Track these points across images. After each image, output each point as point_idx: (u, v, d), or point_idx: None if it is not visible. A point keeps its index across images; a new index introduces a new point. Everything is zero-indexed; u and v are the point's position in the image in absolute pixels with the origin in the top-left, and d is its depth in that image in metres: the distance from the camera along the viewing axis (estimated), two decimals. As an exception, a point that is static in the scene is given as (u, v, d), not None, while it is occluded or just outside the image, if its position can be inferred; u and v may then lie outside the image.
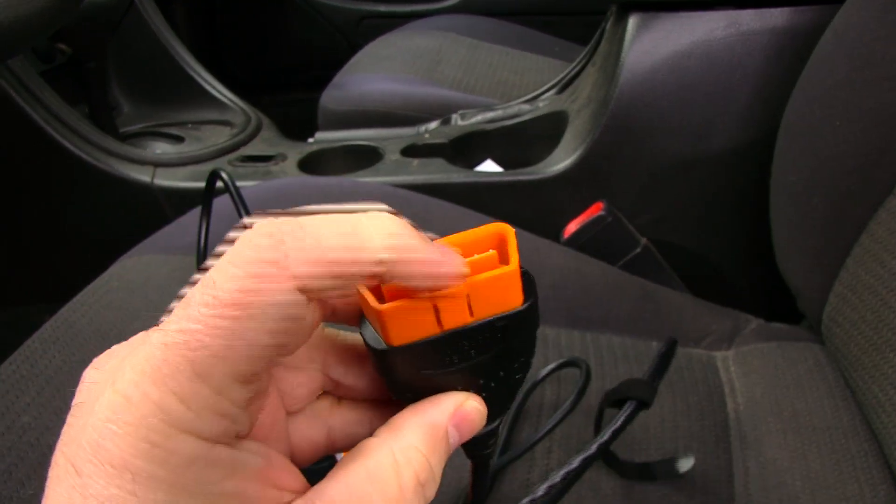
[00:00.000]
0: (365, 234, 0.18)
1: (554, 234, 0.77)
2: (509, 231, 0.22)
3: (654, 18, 0.67)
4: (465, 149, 0.87)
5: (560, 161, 0.74)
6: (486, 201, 0.76)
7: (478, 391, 0.22)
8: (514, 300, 0.21)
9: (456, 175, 0.77)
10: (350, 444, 0.22)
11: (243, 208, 0.45)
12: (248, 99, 1.16)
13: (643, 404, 0.29)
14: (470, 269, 0.20)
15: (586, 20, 1.41)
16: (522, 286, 0.21)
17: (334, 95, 1.04)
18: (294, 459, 0.22)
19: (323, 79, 1.14)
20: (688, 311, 0.57)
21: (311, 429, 0.23)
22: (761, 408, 0.48)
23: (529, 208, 0.77)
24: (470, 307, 0.20)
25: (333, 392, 0.24)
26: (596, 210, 0.72)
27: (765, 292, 0.73)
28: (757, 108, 0.65)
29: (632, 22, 0.67)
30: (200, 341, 0.16)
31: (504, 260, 0.21)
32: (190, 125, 1.10)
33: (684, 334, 0.55)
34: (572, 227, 0.74)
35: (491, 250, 0.22)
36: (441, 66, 1.11)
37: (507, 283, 0.20)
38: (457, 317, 0.20)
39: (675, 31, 0.66)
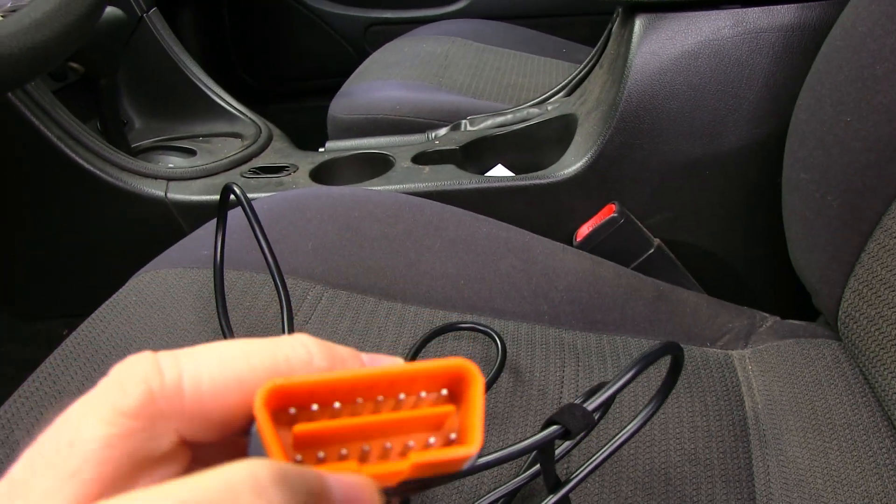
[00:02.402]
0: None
1: (567, 237, 0.77)
2: (475, 379, 0.17)
3: (661, 19, 0.67)
4: (476, 154, 0.87)
5: (571, 164, 0.74)
6: (498, 206, 0.77)
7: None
8: (456, 466, 0.18)
9: (467, 181, 0.78)
10: None
11: (256, 222, 0.45)
12: (258, 109, 1.17)
13: (566, 433, 0.27)
14: (415, 423, 0.17)
15: (593, 21, 1.41)
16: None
17: (343, 104, 1.04)
18: None
19: (332, 87, 1.14)
20: (703, 311, 0.57)
21: None
22: (780, 406, 0.48)
23: (541, 212, 0.77)
24: (403, 474, 0.17)
25: None
26: (608, 212, 0.72)
27: (780, 289, 0.73)
28: (767, 106, 0.65)
29: (638, 23, 0.67)
30: None
31: (462, 417, 0.18)
32: (201, 138, 1.11)
33: (700, 334, 0.55)
34: (585, 230, 0.74)
35: (444, 392, 0.18)
36: (449, 71, 1.11)
37: (458, 462, 0.17)
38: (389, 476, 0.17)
39: (682, 32, 0.66)
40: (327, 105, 1.06)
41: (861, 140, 0.47)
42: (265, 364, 0.17)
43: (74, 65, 0.94)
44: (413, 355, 0.47)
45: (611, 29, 0.83)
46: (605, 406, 0.28)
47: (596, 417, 0.28)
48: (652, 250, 0.72)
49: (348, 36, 1.55)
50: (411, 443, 0.18)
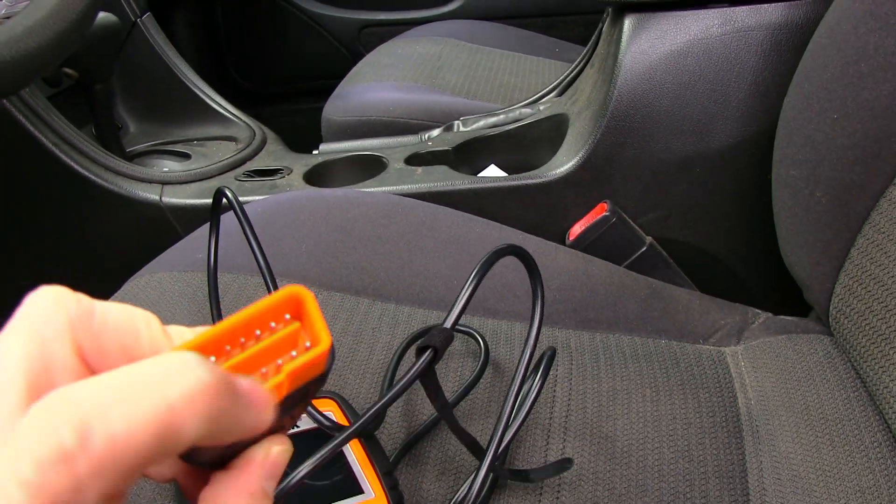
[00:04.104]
0: (176, 422, 0.17)
1: (559, 236, 0.77)
2: (307, 296, 0.22)
3: (650, 18, 0.67)
4: (469, 155, 0.88)
5: (563, 164, 0.74)
6: (490, 207, 0.77)
7: (281, 430, 0.22)
8: (320, 373, 0.22)
9: (460, 182, 0.78)
10: None
11: (248, 225, 0.46)
12: (253, 111, 1.17)
13: (435, 351, 0.30)
14: (276, 347, 0.21)
15: (586, 20, 1.42)
16: (328, 361, 0.22)
17: (337, 106, 1.05)
18: None
19: (326, 88, 1.15)
20: (695, 308, 0.57)
21: None
22: (773, 401, 0.48)
23: (534, 212, 0.77)
24: (284, 384, 0.21)
25: None
26: (600, 211, 0.72)
27: (772, 286, 0.74)
28: (756, 104, 0.65)
29: (628, 23, 0.68)
30: None
31: (309, 328, 0.22)
32: (195, 142, 1.11)
33: (693, 331, 0.55)
34: (577, 229, 0.74)
35: (287, 316, 0.22)
36: (442, 72, 1.12)
37: (319, 359, 0.21)
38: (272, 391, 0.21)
39: (671, 31, 0.66)
40: (321, 107, 1.06)
41: (848, 136, 0.47)
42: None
43: (69, 70, 0.94)
44: (398, 357, 0.47)
45: (601, 29, 0.83)
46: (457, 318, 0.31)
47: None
48: (644, 248, 0.72)
49: (342, 38, 1.56)
50: (279, 361, 0.21)
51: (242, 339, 0.21)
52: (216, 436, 0.18)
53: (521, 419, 0.38)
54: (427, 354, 0.30)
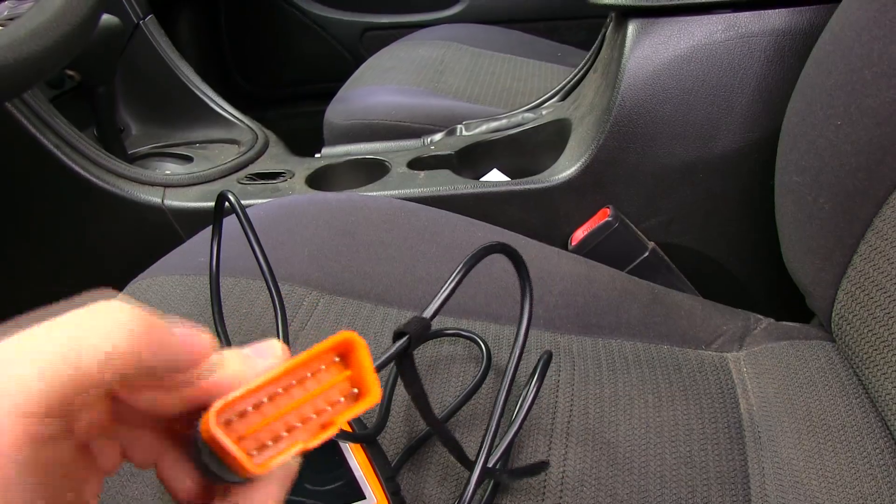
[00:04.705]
0: (88, 338, 0.18)
1: (562, 241, 0.77)
2: (356, 341, 0.22)
3: (654, 24, 0.67)
4: (471, 159, 0.88)
5: (565, 169, 0.74)
6: (493, 211, 0.77)
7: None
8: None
9: (462, 186, 0.78)
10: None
11: (250, 229, 0.46)
12: (255, 114, 1.17)
13: (409, 339, 0.30)
14: (324, 392, 0.21)
15: (588, 24, 1.42)
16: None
17: (339, 109, 1.05)
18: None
19: (328, 92, 1.15)
20: (698, 314, 0.57)
21: None
22: (775, 407, 0.48)
23: (536, 217, 0.77)
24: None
25: None
26: (603, 216, 0.72)
27: (774, 291, 0.73)
28: (759, 110, 0.65)
29: (631, 28, 0.68)
30: None
31: (357, 377, 0.22)
32: (198, 145, 1.11)
33: (695, 336, 0.55)
34: (580, 234, 0.74)
35: (336, 359, 0.22)
36: (445, 76, 1.12)
37: (367, 409, 0.22)
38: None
39: (674, 36, 0.66)
40: (324, 110, 1.06)
41: (851, 143, 0.47)
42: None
43: (71, 72, 0.95)
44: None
45: (604, 34, 0.83)
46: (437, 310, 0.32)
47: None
48: (647, 254, 0.72)
49: (344, 41, 1.56)
50: (328, 407, 0.22)
51: (293, 381, 0.22)
52: (146, 356, 0.19)
53: (518, 423, 0.38)
54: (402, 341, 0.30)
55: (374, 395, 0.21)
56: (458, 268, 0.33)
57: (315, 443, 0.21)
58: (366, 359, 0.22)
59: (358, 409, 0.21)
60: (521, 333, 0.36)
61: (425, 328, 0.31)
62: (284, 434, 0.21)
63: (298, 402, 0.21)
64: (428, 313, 0.31)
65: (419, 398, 0.32)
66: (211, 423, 0.19)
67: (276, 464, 0.20)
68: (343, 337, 0.21)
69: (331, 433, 0.21)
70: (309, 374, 0.22)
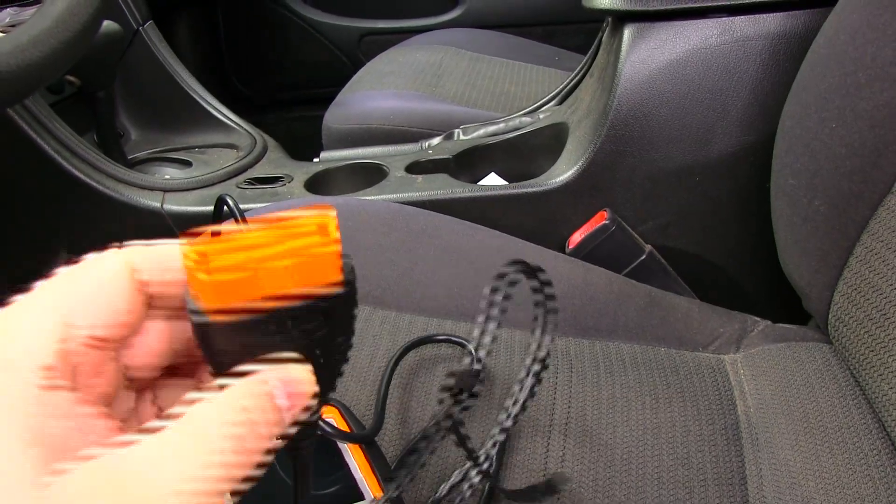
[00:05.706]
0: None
1: (559, 244, 0.77)
2: (330, 216, 0.22)
3: (650, 28, 0.67)
4: (469, 163, 0.88)
5: (562, 172, 0.75)
6: (490, 215, 0.77)
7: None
8: (334, 283, 0.22)
9: (460, 190, 0.78)
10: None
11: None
12: (254, 119, 1.18)
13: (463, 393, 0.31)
14: (293, 251, 0.21)
15: (586, 28, 1.42)
16: (344, 272, 0.22)
17: (337, 114, 1.05)
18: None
19: (327, 96, 1.15)
20: (695, 316, 0.58)
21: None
22: (772, 409, 0.48)
23: (534, 220, 0.77)
24: (294, 286, 0.21)
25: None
26: (600, 219, 0.73)
27: (771, 294, 0.74)
28: (755, 113, 0.65)
29: (627, 32, 0.68)
30: None
31: (325, 242, 0.22)
32: (197, 149, 1.11)
33: (692, 339, 0.55)
34: (577, 238, 0.74)
35: (315, 236, 0.22)
36: (443, 80, 1.12)
37: (327, 263, 0.21)
38: (281, 295, 0.21)
39: (670, 41, 0.66)
40: (322, 115, 1.06)
41: (846, 146, 0.47)
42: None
43: (71, 78, 0.95)
44: (394, 364, 0.48)
45: (601, 38, 0.84)
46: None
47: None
48: (644, 256, 0.73)
49: (343, 46, 1.56)
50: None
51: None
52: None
53: (512, 418, 0.38)
54: (462, 400, 0.31)
55: (333, 247, 0.21)
56: (488, 295, 0.34)
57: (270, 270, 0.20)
58: (333, 226, 0.21)
59: (312, 254, 0.21)
60: (533, 349, 0.36)
61: (477, 376, 0.32)
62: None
63: (270, 253, 0.21)
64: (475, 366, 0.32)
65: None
66: (184, 248, 0.20)
67: (232, 279, 0.20)
68: (319, 213, 0.22)
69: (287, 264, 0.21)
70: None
